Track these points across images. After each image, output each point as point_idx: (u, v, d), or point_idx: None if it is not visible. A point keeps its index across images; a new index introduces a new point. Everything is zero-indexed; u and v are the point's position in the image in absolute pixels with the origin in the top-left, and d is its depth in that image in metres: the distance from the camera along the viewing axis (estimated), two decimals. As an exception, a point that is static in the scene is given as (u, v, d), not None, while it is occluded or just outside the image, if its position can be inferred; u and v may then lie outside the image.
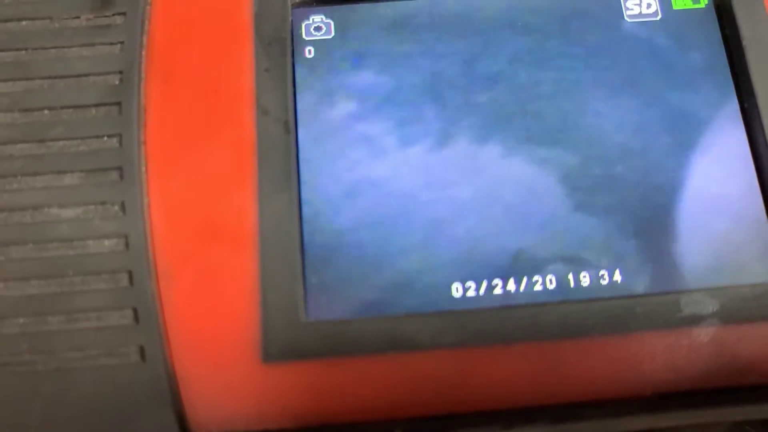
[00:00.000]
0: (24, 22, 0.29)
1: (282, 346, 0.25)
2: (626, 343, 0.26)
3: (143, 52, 0.28)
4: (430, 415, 0.25)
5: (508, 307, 0.26)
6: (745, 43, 0.29)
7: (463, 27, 0.30)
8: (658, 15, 0.30)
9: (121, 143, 0.27)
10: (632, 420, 0.26)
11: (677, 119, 0.29)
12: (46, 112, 0.28)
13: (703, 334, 0.26)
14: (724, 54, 0.29)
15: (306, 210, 0.27)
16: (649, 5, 0.30)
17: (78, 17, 0.29)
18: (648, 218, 0.27)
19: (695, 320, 0.26)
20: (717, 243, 0.27)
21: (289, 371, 0.25)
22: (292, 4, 0.30)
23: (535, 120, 0.29)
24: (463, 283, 0.27)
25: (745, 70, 0.28)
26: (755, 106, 0.28)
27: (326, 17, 0.30)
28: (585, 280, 0.27)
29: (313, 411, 0.25)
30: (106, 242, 0.26)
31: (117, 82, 0.28)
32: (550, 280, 0.27)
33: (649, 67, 0.29)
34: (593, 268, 0.27)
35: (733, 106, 0.29)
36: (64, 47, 0.28)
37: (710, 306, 0.26)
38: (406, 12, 0.30)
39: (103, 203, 0.27)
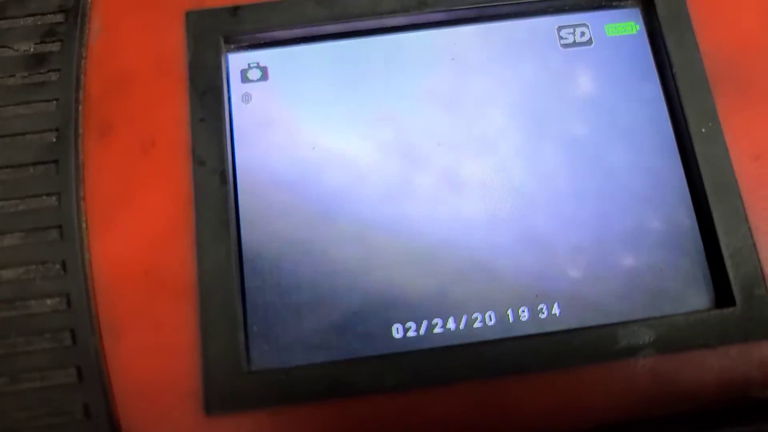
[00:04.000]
0: (-42, 83, 0.29)
1: (224, 397, 0.26)
2: (566, 377, 0.26)
3: (80, 108, 0.29)
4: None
5: (448, 347, 0.26)
6: (675, 69, 0.29)
7: (399, 65, 0.30)
8: (591, 43, 0.30)
9: (60, 201, 0.27)
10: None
11: (611, 148, 0.29)
12: (-17, 173, 0.28)
13: (641, 365, 0.26)
14: (657, 80, 0.29)
15: (247, 259, 0.27)
16: (582, 33, 0.31)
17: (13, 75, 0.29)
18: (584, 251, 0.27)
19: (632, 351, 0.26)
20: (652, 274, 0.27)
21: (233, 422, 0.26)
22: (227, 50, 0.30)
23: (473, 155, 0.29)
24: (404, 323, 0.27)
25: (676, 95, 0.29)
26: (687, 132, 0.28)
27: (262, 62, 0.30)
28: (524, 314, 0.27)
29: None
30: (48, 302, 0.27)
31: (54, 140, 0.28)
32: (490, 317, 0.27)
33: (584, 95, 0.29)
34: (531, 302, 0.27)
35: (668, 134, 0.29)
36: (-1, 106, 0.28)
37: (647, 336, 0.26)
38: (343, 52, 0.30)
39: (44, 263, 0.27)
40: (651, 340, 0.26)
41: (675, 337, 0.26)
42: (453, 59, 0.30)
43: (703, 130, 0.28)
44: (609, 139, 0.29)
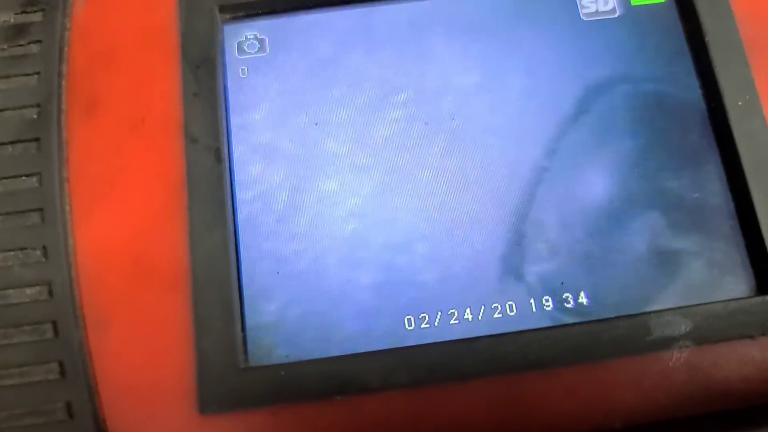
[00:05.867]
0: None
1: (220, 395, 0.24)
2: (593, 372, 0.24)
3: (63, 82, 0.26)
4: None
5: (464, 339, 0.24)
6: (708, 38, 0.26)
7: (406, 36, 0.28)
8: (615, 12, 0.28)
9: (41, 182, 0.25)
10: (603, 455, 0.23)
11: (642, 127, 0.26)
12: (-42, 152, 0.25)
13: (676, 357, 0.23)
14: (687, 51, 0.27)
15: (243, 245, 0.25)
16: (606, 2, 0.28)
17: (-10, 48, 0.26)
18: (614, 236, 0.25)
19: (667, 343, 0.24)
20: (686, 260, 0.25)
21: (229, 422, 0.23)
22: (222, 21, 0.27)
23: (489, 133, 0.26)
24: (416, 315, 0.24)
25: (709, 67, 0.26)
26: (722, 107, 0.26)
27: (260, 33, 0.28)
28: (548, 304, 0.24)
29: (258, 464, 0.23)
30: (28, 291, 0.25)
31: (35, 116, 0.26)
32: (510, 307, 0.25)
33: (609, 67, 0.27)
34: (556, 291, 0.24)
35: (700, 110, 0.26)
36: (-24, 81, 0.26)
37: (682, 326, 0.24)
38: (344, 23, 0.28)
39: (23, 249, 0.25)
40: (687, 330, 0.24)
41: (713, 326, 0.24)
42: (466, 29, 0.27)
43: (740, 103, 0.26)
44: (636, 116, 0.26)
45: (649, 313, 0.24)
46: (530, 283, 0.25)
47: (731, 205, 0.26)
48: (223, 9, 0.27)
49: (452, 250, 0.25)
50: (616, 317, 0.24)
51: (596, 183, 0.26)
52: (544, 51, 0.27)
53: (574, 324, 0.24)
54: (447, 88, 0.27)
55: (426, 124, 0.26)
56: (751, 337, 0.24)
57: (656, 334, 0.24)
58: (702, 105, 0.27)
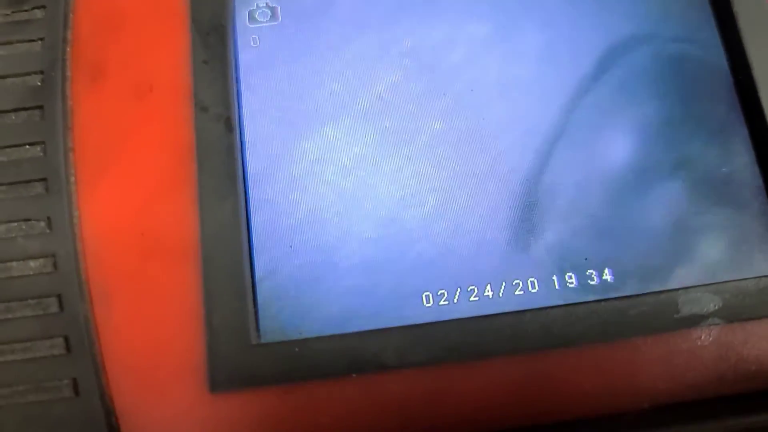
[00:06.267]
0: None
1: (231, 372, 0.23)
2: (619, 350, 0.23)
3: (68, 49, 0.25)
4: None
5: (485, 316, 0.23)
6: (736, 9, 0.25)
7: (424, 2, 0.27)
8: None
9: (45, 152, 0.24)
10: (629, 437, 0.23)
11: (667, 92, 0.25)
12: (-41, 120, 0.24)
13: (705, 335, 0.22)
14: (715, 27, 0.26)
15: (255, 217, 0.24)
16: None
17: (-7, 13, 0.25)
18: (640, 211, 0.24)
19: (695, 321, 0.23)
20: (715, 235, 0.24)
21: (240, 401, 0.22)
22: (233, -13, 0.26)
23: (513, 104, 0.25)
24: (435, 291, 0.23)
25: (737, 38, 0.25)
26: (751, 81, 0.25)
27: (272, 1, 0.27)
28: (571, 281, 0.24)
29: (270, 444, 0.22)
30: (32, 263, 0.24)
31: (38, 83, 0.25)
32: (532, 284, 0.24)
33: (628, 41, 0.26)
34: (580, 267, 0.23)
35: (727, 84, 0.25)
36: (-23, 47, 0.25)
37: (711, 304, 0.23)
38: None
39: (27, 220, 0.24)
40: (716, 307, 0.23)
41: (743, 304, 0.23)
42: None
43: (770, 72, 0.25)
44: (659, 90, 0.25)
45: (677, 289, 0.23)
46: (553, 259, 0.24)
47: (760, 181, 0.24)
48: (234, -25, 0.26)
49: (473, 224, 0.24)
50: (643, 294, 0.23)
51: (619, 150, 0.25)
52: (565, 4, 0.26)
53: (599, 300, 0.23)
54: (465, 60, 0.26)
55: (444, 94, 0.25)
56: (784, 315, 0.23)
57: (684, 311, 0.23)
58: (730, 82, 0.25)
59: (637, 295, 0.23)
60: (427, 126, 0.25)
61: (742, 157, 0.25)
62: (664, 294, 0.23)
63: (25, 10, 0.26)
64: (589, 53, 0.25)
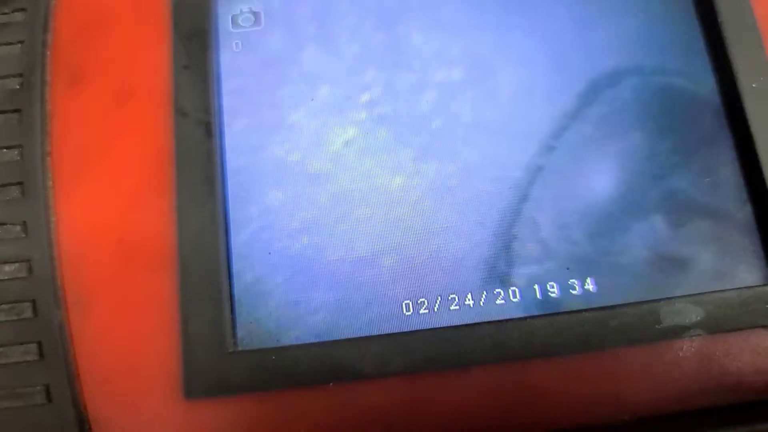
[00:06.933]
0: None
1: (207, 380, 0.22)
2: (601, 361, 0.22)
3: (47, 52, 0.25)
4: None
5: (465, 325, 0.23)
6: (721, 18, 0.25)
7: (410, 4, 0.26)
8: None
9: (22, 155, 0.24)
10: (610, 449, 0.22)
11: (645, 105, 0.25)
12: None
13: (687, 347, 0.22)
14: (698, 29, 0.26)
15: (234, 224, 0.24)
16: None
17: (-28, 15, 0.25)
18: (623, 220, 0.24)
19: (677, 332, 0.22)
20: (699, 246, 0.24)
21: (216, 408, 0.22)
22: (216, -7, 0.26)
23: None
24: (416, 299, 0.23)
25: (723, 48, 0.25)
26: (735, 88, 0.25)
27: (255, 6, 0.26)
28: (553, 291, 0.23)
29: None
30: (7, 268, 0.23)
31: (17, 87, 0.25)
32: (514, 293, 0.23)
33: (612, 42, 0.26)
34: (562, 277, 0.23)
35: (711, 89, 0.25)
36: (-43, 49, 0.25)
37: (693, 315, 0.22)
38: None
39: (2, 224, 0.24)
40: (699, 318, 0.22)
41: (726, 315, 0.23)
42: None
43: (754, 85, 0.25)
44: (642, 95, 0.25)
45: (660, 300, 0.23)
46: (535, 269, 0.23)
47: (744, 192, 0.24)
48: (217, -20, 0.26)
49: (452, 232, 0.24)
50: (625, 304, 0.23)
51: (602, 165, 0.24)
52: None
53: (580, 311, 0.23)
54: (453, 57, 0.25)
55: (430, 99, 0.25)
56: (765, 326, 0.23)
57: (667, 322, 0.23)
58: (714, 90, 0.25)
59: (619, 306, 0.23)
60: (414, 137, 0.25)
61: (725, 170, 0.24)
62: (646, 304, 0.23)
63: (5, 13, 0.25)
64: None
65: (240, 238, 0.24)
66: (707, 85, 0.25)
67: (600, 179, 0.24)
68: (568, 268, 0.23)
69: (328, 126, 0.25)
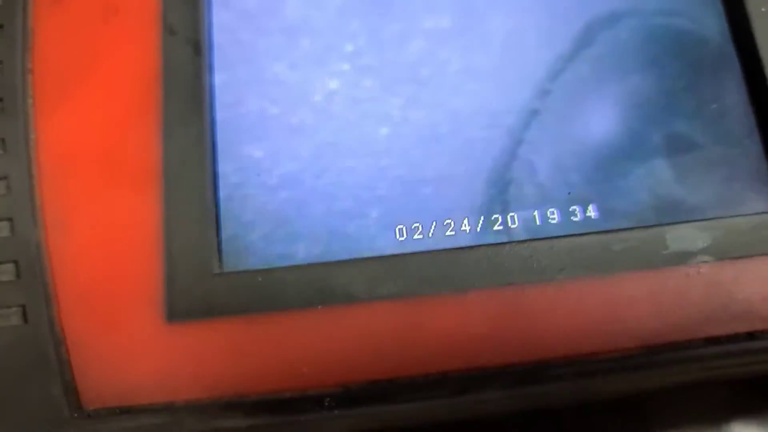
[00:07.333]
0: None
1: (190, 302, 0.21)
2: (603, 286, 0.21)
3: (30, -35, 0.24)
4: (369, 380, 0.21)
5: (461, 248, 0.21)
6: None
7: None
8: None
9: (2, 71, 0.23)
10: (612, 380, 0.21)
11: (660, 39, 0.24)
12: None
13: (694, 273, 0.21)
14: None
15: (221, 143, 0.23)
16: None
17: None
18: (626, 144, 0.23)
19: (684, 258, 0.21)
20: (706, 173, 0.23)
21: (200, 331, 0.21)
22: None
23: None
24: (409, 224, 0.22)
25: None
26: (744, 11, 0.24)
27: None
28: (553, 217, 0.22)
29: (229, 379, 0.21)
30: (-17, 186, 0.22)
31: (-1, 2, 0.23)
32: (512, 219, 0.22)
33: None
34: (562, 202, 0.22)
35: (718, 15, 0.24)
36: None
37: (700, 240, 0.21)
38: None
39: (-21, 141, 0.22)
40: (706, 244, 0.21)
41: (733, 241, 0.22)
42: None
43: (763, 9, 0.24)
44: (644, 23, 0.24)
45: (665, 225, 0.22)
46: (534, 194, 0.22)
47: (752, 118, 0.23)
48: None
49: (450, 157, 0.23)
50: (629, 228, 0.22)
51: (604, 104, 0.23)
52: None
53: (582, 234, 0.22)
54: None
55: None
56: (776, 254, 0.21)
57: (673, 247, 0.22)
58: (721, 15, 0.24)
59: (623, 229, 0.22)
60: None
61: (732, 95, 0.23)
62: (651, 229, 0.22)
63: (-15, -75, 0.24)
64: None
65: (227, 158, 0.23)
66: (713, 12, 0.24)
67: (601, 112, 0.23)
68: (569, 193, 0.22)
69: (326, 38, 0.24)
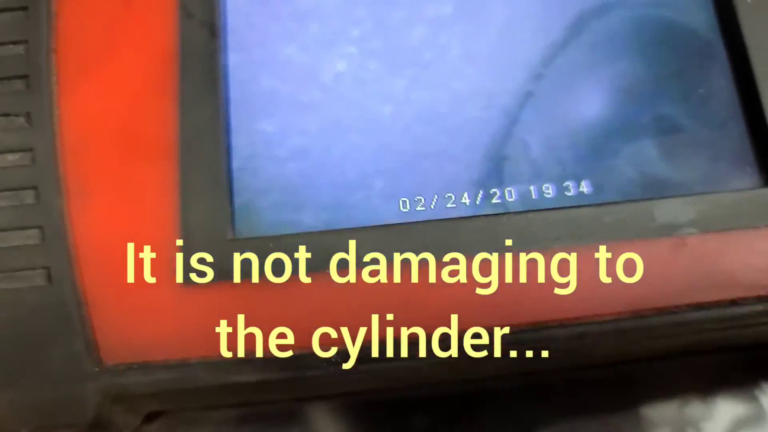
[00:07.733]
0: None
1: (204, 266, 0.22)
2: (594, 255, 0.22)
3: (55, -50, 0.25)
4: (371, 339, 0.22)
5: (460, 218, 0.23)
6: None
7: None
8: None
9: (27, 50, 0.24)
10: (601, 344, 0.22)
11: (649, 28, 0.25)
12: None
13: (680, 244, 0.22)
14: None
15: (234, 118, 0.24)
16: None
17: None
18: (617, 125, 0.24)
19: (671, 229, 0.23)
20: (693, 150, 0.24)
21: (213, 295, 0.22)
22: None
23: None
24: (412, 197, 0.23)
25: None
26: (730, 4, 0.25)
27: None
28: (548, 191, 0.24)
29: (239, 338, 0.22)
30: (10, 157, 0.24)
31: (25, -15, 0.25)
32: (509, 193, 0.24)
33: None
34: (557, 177, 0.23)
35: (707, 9, 0.26)
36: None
37: (687, 214, 0.23)
38: None
39: (6, 114, 0.24)
40: (692, 217, 0.23)
41: (718, 215, 0.23)
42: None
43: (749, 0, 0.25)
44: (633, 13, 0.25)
45: (653, 199, 0.23)
46: (530, 169, 0.24)
47: (737, 101, 0.25)
48: None
49: (451, 133, 0.24)
50: (619, 201, 0.23)
51: (595, 86, 0.25)
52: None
53: (575, 207, 0.23)
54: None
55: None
56: (755, 227, 0.23)
57: (660, 220, 0.23)
58: (708, 4, 0.26)
59: (614, 202, 0.23)
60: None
61: (719, 80, 0.25)
62: (639, 202, 0.23)
63: None
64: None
65: (240, 131, 0.24)
66: (701, 2, 0.26)
67: (593, 96, 0.25)
68: (564, 170, 0.24)
69: (338, 21, 0.25)
